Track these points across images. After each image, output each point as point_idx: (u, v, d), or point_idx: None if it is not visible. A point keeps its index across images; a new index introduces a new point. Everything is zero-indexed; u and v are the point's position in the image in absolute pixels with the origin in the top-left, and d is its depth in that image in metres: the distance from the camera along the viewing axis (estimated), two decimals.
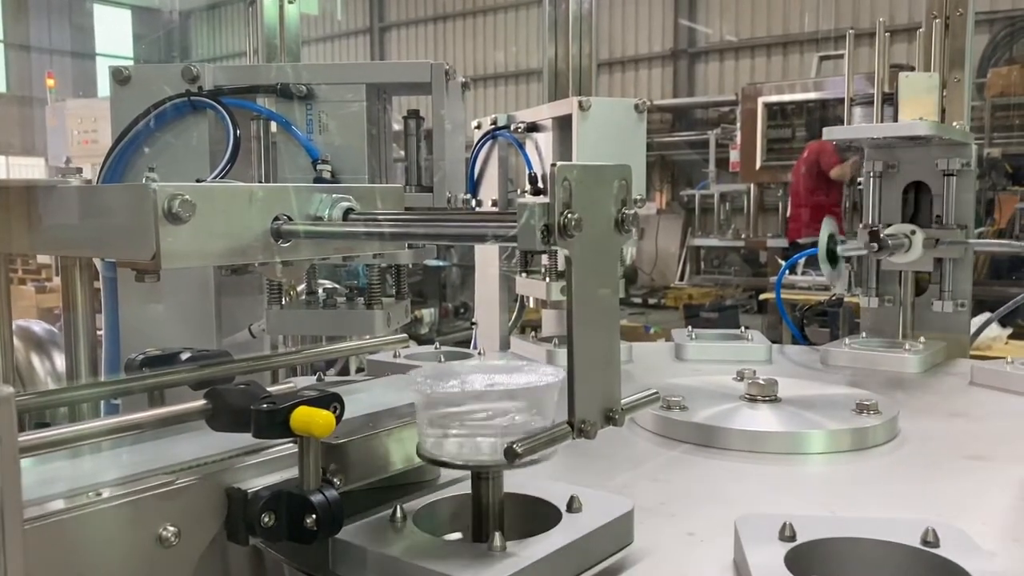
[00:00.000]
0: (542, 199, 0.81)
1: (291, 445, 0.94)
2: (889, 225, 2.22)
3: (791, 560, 0.89)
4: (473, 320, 2.72)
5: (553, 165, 0.81)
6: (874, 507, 1.22)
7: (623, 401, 0.94)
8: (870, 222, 2.30)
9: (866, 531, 0.95)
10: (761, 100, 11.03)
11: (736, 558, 0.96)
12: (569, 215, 0.80)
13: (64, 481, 0.90)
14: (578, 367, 0.87)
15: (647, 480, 1.32)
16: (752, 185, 11.72)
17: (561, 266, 2.25)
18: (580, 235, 0.82)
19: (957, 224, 2.22)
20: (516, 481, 1.01)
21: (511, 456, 0.84)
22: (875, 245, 2.02)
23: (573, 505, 0.97)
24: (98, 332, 1.53)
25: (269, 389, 1.04)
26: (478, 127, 2.50)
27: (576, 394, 0.87)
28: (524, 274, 2.35)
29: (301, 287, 1.93)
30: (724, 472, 1.35)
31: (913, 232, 2.13)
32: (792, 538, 0.93)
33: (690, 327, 2.44)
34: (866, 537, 0.94)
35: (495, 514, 0.94)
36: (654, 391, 1.02)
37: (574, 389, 0.87)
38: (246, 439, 0.94)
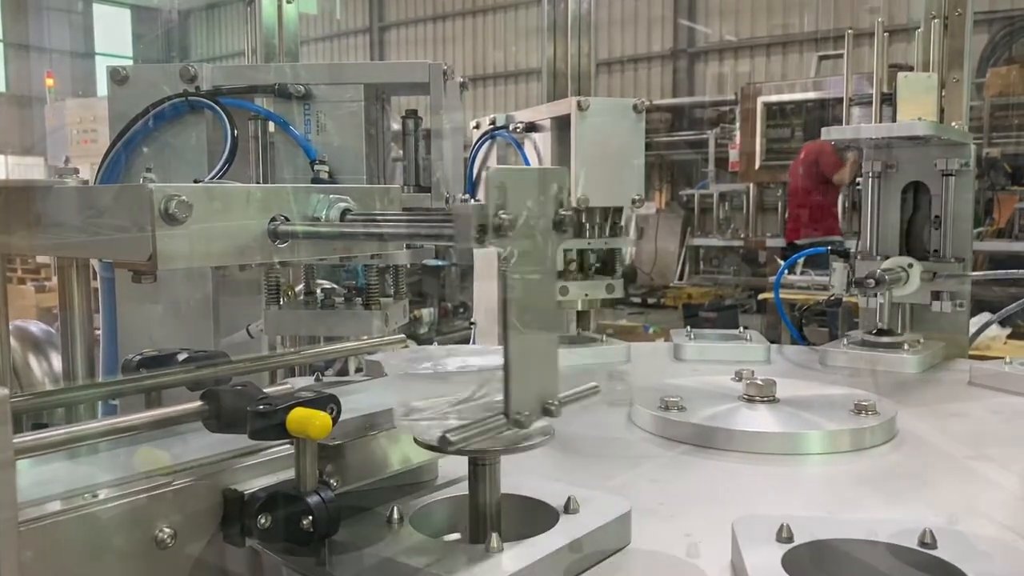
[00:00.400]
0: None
1: (288, 446, 0.94)
2: (887, 258, 2.22)
3: (788, 561, 0.89)
4: (472, 320, 2.72)
5: (487, 169, 0.84)
6: (872, 508, 1.22)
7: (563, 394, 0.97)
8: (867, 249, 2.29)
9: (864, 532, 0.95)
10: (760, 100, 11.03)
11: (734, 559, 0.96)
12: (503, 215, 0.84)
13: (60, 482, 0.90)
14: (513, 361, 0.90)
15: (645, 481, 1.32)
16: (751, 185, 11.73)
17: (559, 266, 2.25)
18: (515, 235, 0.86)
19: (955, 257, 2.22)
20: (513, 482, 1.01)
21: (444, 444, 0.87)
22: (871, 282, 2.02)
23: (570, 506, 0.97)
24: (96, 332, 1.53)
25: (266, 390, 1.04)
26: (477, 127, 2.50)
27: (511, 387, 0.90)
28: None
29: (299, 287, 1.93)
30: (722, 473, 1.35)
31: (910, 265, 2.12)
32: (790, 539, 0.93)
33: (689, 327, 2.43)
34: (864, 538, 0.94)
35: (492, 514, 0.94)
36: (595, 384, 1.04)
37: (509, 383, 0.90)
38: (242, 440, 0.94)
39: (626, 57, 16.03)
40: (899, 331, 2.24)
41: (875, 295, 2.19)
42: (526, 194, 0.89)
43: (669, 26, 15.67)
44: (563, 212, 0.92)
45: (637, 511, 1.01)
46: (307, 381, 1.68)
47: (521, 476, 1.03)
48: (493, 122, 2.43)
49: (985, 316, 2.91)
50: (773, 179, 11.21)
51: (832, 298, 2.61)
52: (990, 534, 1.08)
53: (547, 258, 0.93)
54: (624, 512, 0.99)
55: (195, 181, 1.62)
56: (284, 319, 1.88)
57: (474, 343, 2.63)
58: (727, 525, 0.98)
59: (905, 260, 2.15)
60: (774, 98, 11.06)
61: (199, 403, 0.99)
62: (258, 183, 1.78)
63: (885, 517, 1.04)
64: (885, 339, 2.19)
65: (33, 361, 2.38)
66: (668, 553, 1.02)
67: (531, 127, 2.33)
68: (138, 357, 1.11)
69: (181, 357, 1.13)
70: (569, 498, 0.98)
